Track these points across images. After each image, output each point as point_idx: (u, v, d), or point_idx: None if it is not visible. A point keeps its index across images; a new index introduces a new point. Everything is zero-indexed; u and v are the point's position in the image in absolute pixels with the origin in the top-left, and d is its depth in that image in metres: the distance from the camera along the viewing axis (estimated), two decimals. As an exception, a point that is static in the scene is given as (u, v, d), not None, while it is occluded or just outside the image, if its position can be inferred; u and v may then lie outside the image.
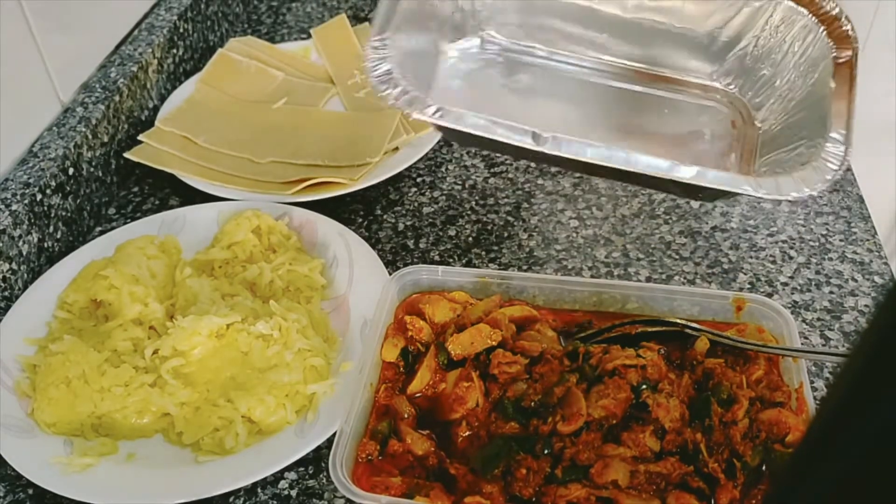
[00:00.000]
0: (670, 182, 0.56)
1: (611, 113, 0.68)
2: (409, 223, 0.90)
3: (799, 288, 0.81)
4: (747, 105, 0.69)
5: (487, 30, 0.71)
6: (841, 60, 0.63)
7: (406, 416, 0.66)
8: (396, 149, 0.98)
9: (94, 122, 0.92)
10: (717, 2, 0.66)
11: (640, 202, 0.90)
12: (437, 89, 0.68)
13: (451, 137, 0.58)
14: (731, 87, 0.70)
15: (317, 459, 0.69)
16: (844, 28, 0.63)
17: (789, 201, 0.58)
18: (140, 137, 0.98)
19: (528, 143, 0.57)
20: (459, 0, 0.68)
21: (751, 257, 0.85)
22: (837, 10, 0.64)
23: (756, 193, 0.56)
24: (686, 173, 0.56)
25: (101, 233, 0.90)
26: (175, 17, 1.09)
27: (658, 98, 0.69)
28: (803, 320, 0.78)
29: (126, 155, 0.96)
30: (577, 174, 0.58)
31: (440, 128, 0.58)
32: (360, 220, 0.91)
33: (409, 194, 0.94)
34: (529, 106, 0.70)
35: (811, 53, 0.64)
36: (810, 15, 0.64)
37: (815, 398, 0.67)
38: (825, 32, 0.64)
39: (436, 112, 0.58)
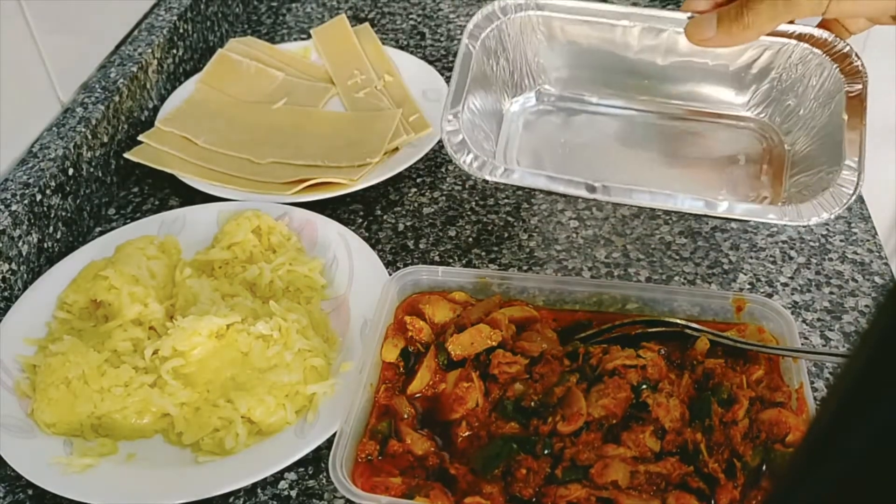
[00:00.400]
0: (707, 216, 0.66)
1: (656, 147, 0.78)
2: (409, 223, 0.90)
3: (799, 288, 0.81)
4: (777, 131, 0.77)
5: (542, 85, 0.82)
6: (852, 94, 0.70)
7: (406, 416, 0.66)
8: (396, 149, 0.98)
9: (93, 122, 0.92)
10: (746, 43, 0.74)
11: (640, 202, 0.90)
12: (503, 142, 0.79)
13: (519, 188, 0.72)
14: (762, 115, 0.78)
15: (317, 460, 0.69)
16: (855, 64, 0.71)
17: (810, 226, 0.68)
18: (140, 138, 0.98)
19: (583, 194, 0.66)
20: (517, 62, 0.80)
21: (751, 257, 0.85)
22: (847, 48, 0.72)
23: (781, 221, 0.64)
24: (720, 209, 0.65)
25: (101, 233, 0.90)
26: (175, 18, 1.09)
27: (697, 130, 0.78)
28: (803, 321, 0.78)
29: (126, 155, 0.96)
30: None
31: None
32: (360, 220, 0.91)
33: (409, 194, 0.94)
34: (583, 147, 0.80)
35: (827, 87, 0.72)
36: (824, 54, 0.73)
37: (815, 398, 0.67)
38: (838, 69, 0.72)
39: (503, 173, 0.68)
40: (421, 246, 0.88)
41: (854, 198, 0.64)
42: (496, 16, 0.77)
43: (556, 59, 0.80)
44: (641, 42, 0.77)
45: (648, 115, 0.80)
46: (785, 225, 0.65)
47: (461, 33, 0.77)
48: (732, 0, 0.67)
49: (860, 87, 0.70)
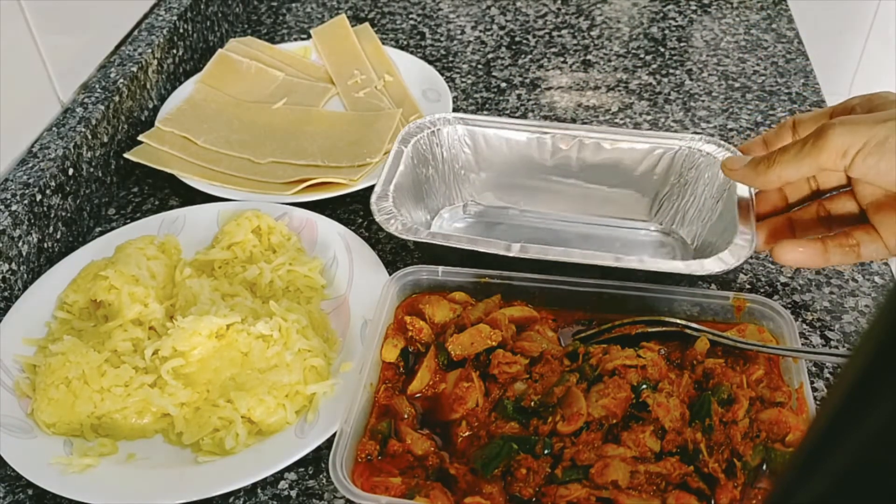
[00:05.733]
0: (620, 271, 0.73)
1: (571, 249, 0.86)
2: (409, 223, 0.90)
3: (799, 288, 0.81)
4: (679, 233, 0.86)
5: (469, 197, 0.91)
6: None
7: (406, 416, 0.66)
8: (396, 149, 0.97)
9: (93, 122, 0.92)
10: (643, 150, 0.86)
11: (640, 202, 0.90)
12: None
13: (443, 259, 0.78)
14: (665, 222, 0.87)
15: (317, 459, 0.69)
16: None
17: (712, 274, 0.73)
18: (140, 138, 0.98)
19: (501, 251, 0.74)
20: (446, 174, 0.89)
21: (751, 258, 0.85)
22: (730, 150, 0.82)
23: (686, 272, 0.71)
24: (630, 263, 0.72)
25: (101, 233, 0.90)
26: (175, 18, 1.09)
27: (612, 240, 0.87)
28: (803, 321, 0.78)
29: (126, 155, 0.96)
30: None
31: (432, 248, 0.77)
32: (360, 220, 0.91)
33: (409, 194, 0.94)
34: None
35: (716, 183, 0.81)
36: (713, 153, 0.83)
37: (815, 398, 0.67)
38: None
39: (427, 234, 0.76)
40: (417, 254, 0.88)
41: (750, 252, 0.72)
42: (426, 126, 0.87)
43: (482, 172, 0.90)
44: (555, 154, 0.88)
45: (566, 224, 0.89)
46: (690, 274, 0.72)
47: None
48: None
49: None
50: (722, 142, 0.83)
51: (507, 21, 1.24)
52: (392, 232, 0.75)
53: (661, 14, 1.24)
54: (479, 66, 1.14)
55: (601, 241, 0.87)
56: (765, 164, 0.68)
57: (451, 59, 1.16)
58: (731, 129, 1.02)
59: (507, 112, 1.06)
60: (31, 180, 0.83)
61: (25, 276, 0.82)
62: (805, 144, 0.64)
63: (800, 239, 0.71)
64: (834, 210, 0.72)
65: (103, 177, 0.94)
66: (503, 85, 1.11)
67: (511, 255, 0.73)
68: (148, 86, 1.03)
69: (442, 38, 1.20)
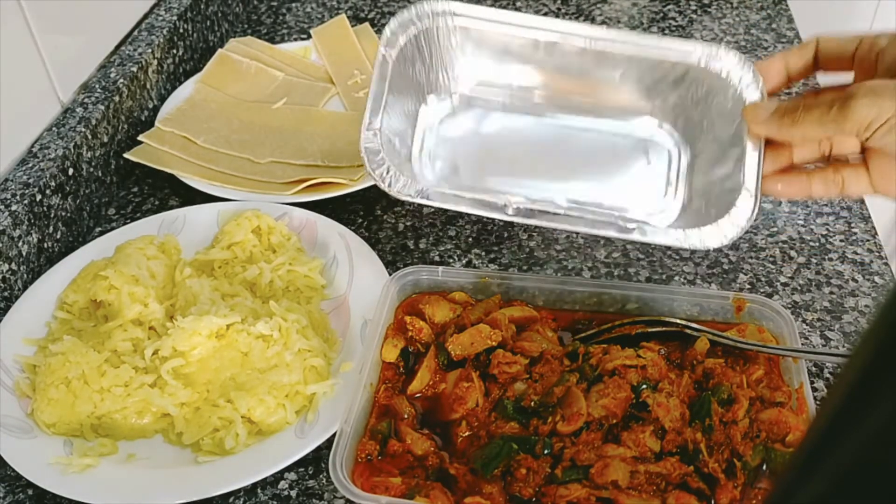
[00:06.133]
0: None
1: (569, 147, 0.81)
2: (409, 223, 0.90)
3: (799, 288, 0.81)
4: (682, 139, 0.80)
5: (457, 87, 0.83)
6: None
7: (406, 416, 0.66)
8: (396, 149, 0.98)
9: (93, 122, 0.92)
10: (656, 59, 0.78)
11: (640, 202, 0.90)
12: (419, 144, 0.81)
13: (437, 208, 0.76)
14: (668, 122, 0.81)
15: (317, 459, 0.68)
16: (760, 88, 0.73)
17: (709, 249, 0.71)
18: (140, 138, 0.98)
19: (499, 213, 0.70)
20: (433, 65, 0.81)
21: (751, 257, 0.85)
22: (753, 71, 0.74)
23: (687, 245, 0.70)
24: (633, 234, 0.70)
25: (101, 233, 0.90)
26: (175, 18, 1.09)
27: (609, 134, 0.81)
28: (803, 321, 0.78)
29: (126, 155, 0.96)
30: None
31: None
32: (360, 220, 0.91)
33: (409, 194, 0.94)
34: (498, 150, 0.82)
35: (732, 107, 0.75)
36: (731, 76, 0.75)
37: (815, 398, 0.67)
38: (742, 92, 0.74)
39: (418, 193, 0.72)
40: (421, 246, 0.88)
41: (752, 222, 0.69)
42: (412, 22, 0.79)
43: (473, 63, 0.82)
44: (557, 51, 0.79)
45: (561, 120, 0.82)
46: (691, 248, 0.71)
47: None
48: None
49: None
50: (743, 56, 0.75)
51: (507, 21, 1.24)
52: (385, 189, 0.72)
53: (661, 14, 1.24)
54: (479, 66, 1.14)
55: (597, 141, 0.80)
56: (789, 121, 0.67)
57: (451, 59, 1.16)
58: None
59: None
60: (31, 180, 0.83)
61: (25, 276, 0.82)
62: (830, 109, 0.63)
63: (786, 172, 0.71)
64: (837, 146, 0.71)
65: (103, 177, 0.94)
66: (503, 85, 1.11)
67: (507, 217, 0.71)
68: (148, 86, 1.03)
69: (442, 38, 1.20)
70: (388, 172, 0.72)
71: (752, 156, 0.71)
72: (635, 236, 0.70)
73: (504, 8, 1.26)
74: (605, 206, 0.76)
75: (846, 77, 0.69)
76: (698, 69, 0.77)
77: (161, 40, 1.05)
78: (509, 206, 0.71)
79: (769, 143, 0.72)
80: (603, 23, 1.23)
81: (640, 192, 0.78)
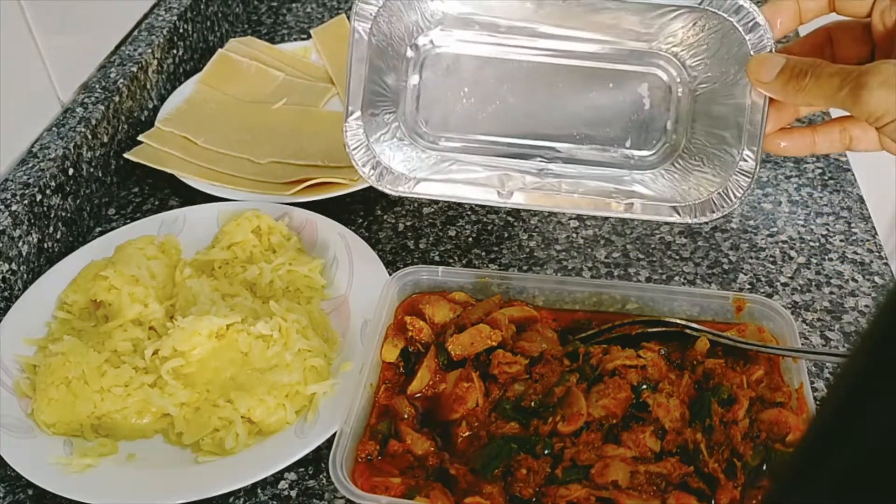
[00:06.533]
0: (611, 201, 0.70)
1: (560, 93, 0.75)
2: (409, 223, 0.90)
3: (799, 288, 0.81)
4: (686, 74, 0.74)
5: (440, 37, 0.75)
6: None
7: (406, 416, 0.66)
8: (396, 149, 0.97)
9: (93, 122, 0.92)
10: (654, 4, 0.71)
11: (640, 202, 0.90)
12: (407, 97, 0.76)
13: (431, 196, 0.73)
14: (671, 61, 0.74)
15: (317, 459, 0.68)
16: (768, 38, 0.67)
17: (704, 222, 0.69)
18: (140, 138, 0.98)
19: (498, 201, 0.69)
20: (413, 22, 0.74)
21: (751, 258, 0.85)
22: (768, 29, 0.68)
23: (683, 222, 0.69)
24: (626, 213, 0.69)
25: (101, 233, 0.90)
26: (175, 18, 1.09)
27: (603, 71, 0.75)
28: (803, 321, 0.78)
29: (126, 155, 0.96)
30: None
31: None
32: (360, 220, 0.91)
33: (409, 194, 0.94)
34: (487, 98, 0.76)
35: (736, 51, 0.68)
36: (744, 28, 0.68)
37: (815, 398, 0.67)
38: (745, 43, 0.68)
39: (409, 185, 0.71)
40: (421, 246, 0.88)
41: (749, 193, 0.67)
42: None
43: (452, 4, 0.74)
44: (547, 4, 0.72)
45: (553, 55, 0.74)
46: (685, 223, 0.69)
47: None
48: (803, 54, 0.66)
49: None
50: (753, 3, 0.68)
51: (507, 21, 1.24)
52: (372, 184, 0.70)
53: (661, 14, 1.24)
54: (479, 66, 1.14)
55: (593, 77, 0.74)
56: (795, 86, 0.62)
57: (451, 59, 1.16)
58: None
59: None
60: (31, 180, 0.83)
61: (25, 276, 0.82)
62: (841, 90, 0.59)
63: (789, 130, 0.68)
64: None
65: (103, 177, 0.94)
66: (503, 85, 1.11)
67: (504, 202, 0.69)
68: (148, 86, 1.03)
69: (442, 38, 1.20)
70: (375, 168, 0.71)
71: (754, 115, 0.67)
72: (627, 213, 0.69)
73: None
74: (603, 154, 0.73)
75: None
76: (704, 16, 0.70)
77: (161, 40, 1.05)
78: (505, 187, 0.69)
79: (773, 100, 0.67)
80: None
81: (636, 132, 0.74)
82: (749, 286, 0.82)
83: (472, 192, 0.71)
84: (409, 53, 0.76)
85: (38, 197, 0.83)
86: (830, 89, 0.60)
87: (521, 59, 0.75)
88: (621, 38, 0.74)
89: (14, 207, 0.80)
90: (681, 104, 0.74)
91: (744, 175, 0.68)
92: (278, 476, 0.68)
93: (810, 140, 0.66)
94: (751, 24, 0.67)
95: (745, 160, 0.67)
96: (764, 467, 0.61)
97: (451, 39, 0.76)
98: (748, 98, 0.67)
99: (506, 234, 0.89)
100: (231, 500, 0.66)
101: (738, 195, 0.68)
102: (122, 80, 0.98)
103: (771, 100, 0.67)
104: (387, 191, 0.71)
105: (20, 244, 0.81)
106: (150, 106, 1.04)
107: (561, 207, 0.70)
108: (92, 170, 0.92)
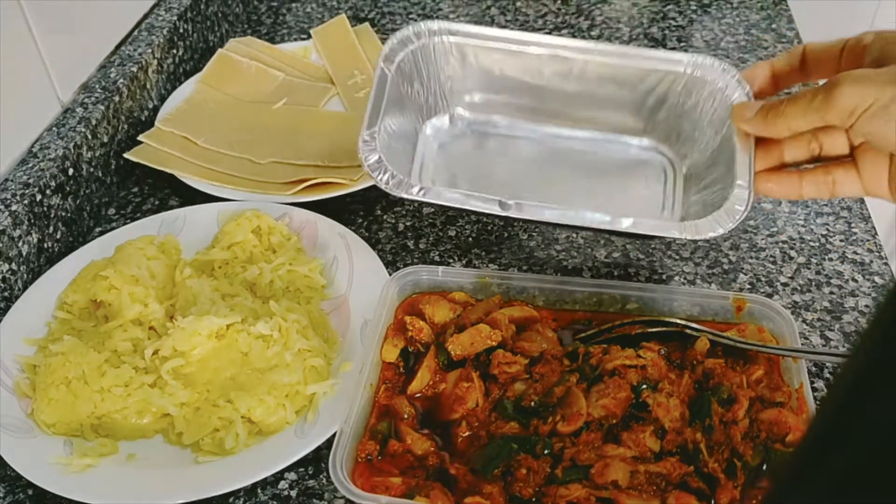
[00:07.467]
0: (614, 232, 0.71)
1: (565, 168, 0.83)
2: (409, 223, 0.90)
3: (799, 288, 0.81)
4: (675, 153, 0.83)
5: (455, 108, 0.85)
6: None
7: (406, 416, 0.66)
8: (396, 149, 0.97)
9: (93, 122, 0.92)
10: (644, 70, 0.81)
11: (640, 202, 0.90)
12: (419, 163, 0.83)
13: (437, 206, 0.75)
14: (661, 141, 0.83)
15: (317, 459, 0.68)
16: (746, 90, 0.75)
17: (706, 240, 0.73)
18: (140, 138, 0.98)
19: (496, 210, 0.70)
20: (431, 85, 0.83)
21: (751, 258, 0.85)
22: (738, 76, 0.76)
23: (681, 236, 0.69)
24: (625, 224, 0.70)
25: (101, 233, 0.90)
26: (175, 18, 1.09)
27: (604, 155, 0.83)
28: (803, 321, 0.78)
29: (126, 155, 0.96)
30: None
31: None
32: (360, 220, 0.91)
33: (409, 194, 0.94)
34: (496, 169, 0.83)
35: (719, 114, 0.77)
36: (715, 82, 0.78)
37: (815, 398, 0.67)
38: (728, 97, 0.76)
39: (419, 191, 0.71)
40: (421, 246, 0.88)
41: (746, 213, 0.69)
42: (410, 40, 0.81)
43: (469, 83, 0.84)
44: (551, 68, 0.81)
45: (557, 139, 0.84)
46: (687, 239, 0.71)
47: None
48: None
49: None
50: (727, 66, 0.78)
51: (507, 21, 1.24)
52: (384, 188, 0.72)
53: (661, 14, 1.24)
54: (479, 66, 1.14)
55: (594, 158, 0.82)
56: (774, 115, 0.68)
57: (451, 59, 1.16)
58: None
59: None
60: (31, 180, 0.83)
61: (25, 276, 0.82)
62: (815, 98, 0.64)
63: (778, 171, 0.72)
64: (826, 145, 0.71)
65: (103, 177, 0.94)
66: (503, 85, 1.11)
67: (506, 213, 0.71)
68: (148, 86, 1.03)
69: (442, 38, 1.20)
70: (392, 177, 0.72)
71: (742, 155, 0.72)
72: (626, 225, 0.70)
73: (505, 7, 1.26)
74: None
75: None
76: (684, 78, 0.79)
77: (161, 40, 1.05)
78: (510, 203, 0.71)
79: (759, 143, 0.72)
80: (603, 23, 1.23)
81: (637, 211, 0.78)
82: (749, 286, 0.82)
83: (475, 203, 0.72)
84: (426, 113, 0.84)
85: (38, 197, 0.83)
86: (805, 102, 0.64)
87: (527, 140, 0.84)
88: (617, 128, 0.84)
89: (14, 207, 0.80)
90: (677, 182, 0.81)
91: (738, 204, 0.70)
92: (278, 476, 0.68)
93: (797, 183, 0.70)
94: (730, 86, 0.76)
95: (739, 193, 0.70)
96: (764, 467, 0.61)
97: (466, 108, 0.85)
98: (736, 145, 0.72)
99: (506, 234, 0.89)
100: (231, 500, 0.66)
101: (736, 218, 0.70)
102: (122, 80, 0.98)
103: (757, 143, 0.72)
104: (397, 194, 0.72)
105: (20, 244, 0.81)
106: (150, 106, 1.04)
107: (565, 219, 0.71)
108: (92, 170, 0.92)
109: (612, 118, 0.83)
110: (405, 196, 0.71)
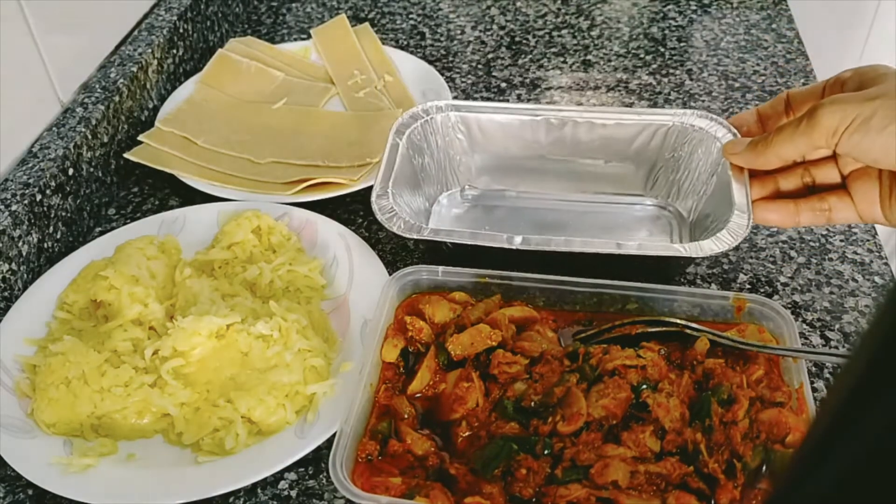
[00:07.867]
0: (622, 262, 0.74)
1: (570, 227, 0.87)
2: (409, 223, 0.90)
3: (799, 288, 0.81)
4: (675, 206, 0.88)
5: (465, 182, 0.92)
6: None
7: (406, 416, 0.66)
8: (396, 149, 0.97)
9: (93, 122, 0.92)
10: (636, 128, 0.87)
11: (640, 202, 0.90)
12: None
13: (446, 257, 0.79)
14: (660, 196, 0.89)
15: (317, 459, 0.68)
16: (732, 132, 0.81)
17: (710, 256, 0.74)
18: (140, 138, 0.98)
19: (504, 244, 0.74)
20: (441, 161, 0.90)
21: (751, 257, 0.85)
22: (725, 123, 0.82)
23: (686, 254, 0.72)
24: (631, 248, 0.73)
25: (101, 233, 0.90)
26: (175, 18, 1.09)
27: (609, 216, 0.88)
28: (803, 321, 0.78)
29: (126, 155, 0.96)
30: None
31: (437, 245, 0.78)
32: (360, 220, 0.91)
33: (409, 194, 0.94)
34: (506, 231, 0.87)
35: (713, 157, 0.82)
36: (705, 130, 0.84)
37: (815, 398, 0.67)
38: (718, 141, 0.82)
39: (429, 232, 0.76)
40: (421, 246, 0.88)
41: (747, 232, 0.73)
42: (420, 115, 0.88)
43: (477, 156, 0.91)
44: (549, 135, 0.88)
45: (564, 205, 0.90)
46: (690, 257, 0.74)
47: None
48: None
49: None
50: (714, 116, 0.84)
51: (507, 21, 1.24)
52: (395, 231, 0.76)
53: (661, 14, 1.24)
54: (479, 67, 1.14)
55: (599, 219, 0.88)
56: (763, 145, 0.72)
57: (451, 59, 1.16)
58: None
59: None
60: (31, 180, 0.83)
61: (25, 276, 0.82)
62: (799, 124, 0.68)
63: (774, 200, 0.75)
64: (818, 177, 0.75)
65: (103, 177, 0.94)
66: (503, 85, 1.11)
67: (513, 247, 0.74)
68: (148, 86, 1.03)
69: (442, 38, 1.20)
70: (404, 223, 0.77)
71: (738, 185, 0.76)
72: (632, 250, 0.74)
73: (505, 7, 1.26)
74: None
75: None
76: (675, 130, 0.86)
77: (161, 40, 1.05)
78: (515, 238, 0.75)
79: (754, 177, 0.76)
80: (603, 23, 1.23)
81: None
82: (749, 286, 0.82)
83: (484, 238, 0.76)
84: (435, 184, 0.90)
85: (38, 197, 0.83)
86: (791, 129, 0.69)
87: (533, 205, 0.90)
88: (620, 187, 0.90)
89: (14, 207, 0.80)
90: (682, 234, 0.86)
91: (739, 227, 0.74)
92: (278, 476, 0.68)
93: (793, 211, 0.74)
94: (720, 132, 0.82)
95: (738, 217, 0.74)
96: (764, 468, 0.61)
97: (473, 179, 0.92)
98: (732, 183, 0.76)
99: (506, 234, 0.88)
100: (231, 500, 0.66)
101: (740, 235, 0.73)
102: (122, 80, 0.98)
103: (752, 176, 0.76)
104: (405, 236, 0.76)
105: (20, 244, 0.81)
106: (150, 106, 1.04)
107: (570, 247, 0.74)
108: (92, 170, 0.92)
109: (612, 179, 0.89)
110: (417, 237, 0.75)
